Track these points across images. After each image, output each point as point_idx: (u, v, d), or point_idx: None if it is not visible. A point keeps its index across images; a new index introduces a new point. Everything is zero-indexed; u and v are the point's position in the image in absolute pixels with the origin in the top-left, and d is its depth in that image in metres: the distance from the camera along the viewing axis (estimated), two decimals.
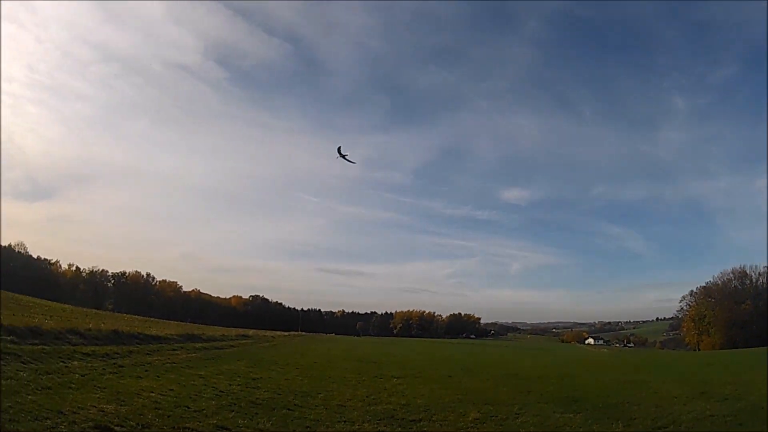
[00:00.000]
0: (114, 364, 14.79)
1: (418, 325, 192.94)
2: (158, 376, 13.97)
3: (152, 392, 11.35)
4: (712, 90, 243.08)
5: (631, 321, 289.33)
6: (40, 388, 9.58)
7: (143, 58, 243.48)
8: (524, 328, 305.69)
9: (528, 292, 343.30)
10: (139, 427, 8.36)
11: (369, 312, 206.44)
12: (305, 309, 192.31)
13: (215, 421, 9.46)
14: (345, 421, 10.76)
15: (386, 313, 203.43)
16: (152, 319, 66.14)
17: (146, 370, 14.78)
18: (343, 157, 53.10)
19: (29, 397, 8.77)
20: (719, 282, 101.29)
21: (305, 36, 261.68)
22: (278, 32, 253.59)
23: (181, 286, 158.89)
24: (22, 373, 10.46)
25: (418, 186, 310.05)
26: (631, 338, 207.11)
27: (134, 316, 64.15)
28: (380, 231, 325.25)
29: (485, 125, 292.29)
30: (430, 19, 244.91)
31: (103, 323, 25.55)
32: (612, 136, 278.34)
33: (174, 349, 22.73)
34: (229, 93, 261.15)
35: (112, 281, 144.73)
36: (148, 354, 19.04)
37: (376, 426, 10.55)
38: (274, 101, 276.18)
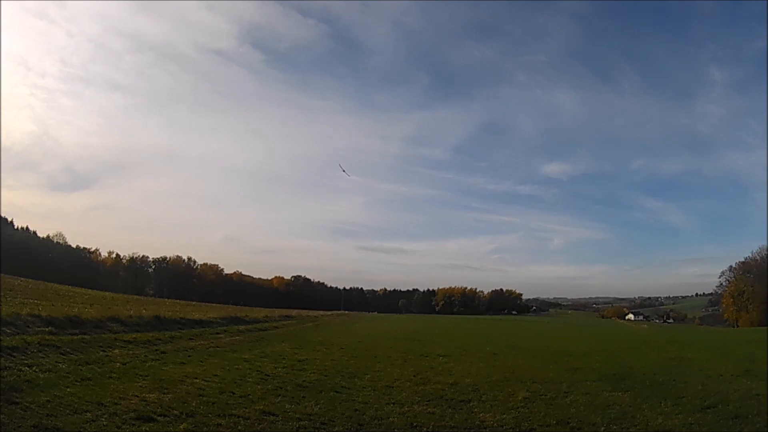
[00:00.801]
0: (156, 350, 15.15)
1: (460, 302, 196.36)
2: (202, 362, 14.20)
3: (196, 378, 11.47)
4: (748, 61, 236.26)
5: (671, 296, 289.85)
6: (79, 380, 9.74)
7: (178, 46, 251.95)
8: (565, 303, 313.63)
9: (569, 267, 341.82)
10: (183, 416, 8.26)
11: (411, 289, 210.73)
12: (347, 288, 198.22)
13: (261, 407, 9.39)
14: (394, 403, 10.69)
15: (428, 290, 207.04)
16: (194, 303, 68.92)
17: (189, 356, 15.10)
18: (343, 171, 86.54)
19: (68, 389, 8.88)
20: (758, 257, 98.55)
21: (340, 15, 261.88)
22: (313, 13, 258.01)
23: (222, 269, 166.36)
24: (61, 365, 10.70)
25: (459, 162, 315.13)
26: (671, 314, 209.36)
27: (176, 301, 67.15)
28: (421, 208, 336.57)
29: (525, 100, 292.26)
30: None
31: (145, 309, 26.47)
32: (651, 108, 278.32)
33: (217, 333, 23.32)
34: (267, 75, 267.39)
35: (153, 267, 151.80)
36: (190, 339, 19.54)
37: (425, 407, 10.44)
38: (312, 82, 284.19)
